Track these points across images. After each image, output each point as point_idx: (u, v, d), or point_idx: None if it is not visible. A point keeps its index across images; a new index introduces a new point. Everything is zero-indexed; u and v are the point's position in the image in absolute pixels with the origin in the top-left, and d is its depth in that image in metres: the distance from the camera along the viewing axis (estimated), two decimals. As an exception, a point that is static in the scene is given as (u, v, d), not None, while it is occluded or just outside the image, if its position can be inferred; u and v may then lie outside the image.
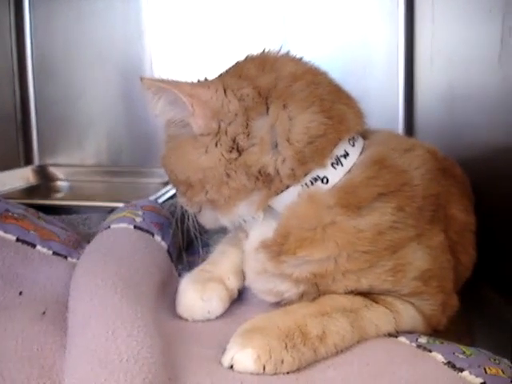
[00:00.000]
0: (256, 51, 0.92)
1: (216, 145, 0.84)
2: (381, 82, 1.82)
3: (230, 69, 0.93)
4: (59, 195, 1.85)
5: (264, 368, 0.72)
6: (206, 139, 0.85)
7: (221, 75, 0.92)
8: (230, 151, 0.84)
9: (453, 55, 1.38)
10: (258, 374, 0.72)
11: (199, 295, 0.90)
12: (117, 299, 0.76)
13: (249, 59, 0.92)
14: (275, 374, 0.72)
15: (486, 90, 1.14)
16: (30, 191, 1.81)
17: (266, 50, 0.92)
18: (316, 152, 0.83)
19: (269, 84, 0.85)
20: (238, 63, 0.92)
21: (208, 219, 0.94)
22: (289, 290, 0.86)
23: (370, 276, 0.83)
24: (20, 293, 0.88)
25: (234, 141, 0.83)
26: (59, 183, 1.92)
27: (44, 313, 0.82)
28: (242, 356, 0.73)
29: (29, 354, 0.71)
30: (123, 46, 1.97)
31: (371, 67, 1.83)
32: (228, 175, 0.84)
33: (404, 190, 0.83)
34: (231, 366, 0.73)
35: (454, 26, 1.38)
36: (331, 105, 0.85)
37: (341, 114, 0.86)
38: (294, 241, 0.82)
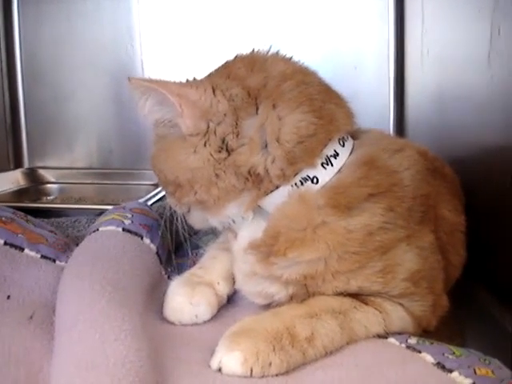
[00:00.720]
0: (246, 52, 0.92)
1: (205, 145, 0.84)
2: (371, 83, 1.83)
3: (218, 68, 0.92)
4: (49, 198, 1.85)
5: (251, 371, 0.71)
6: (194, 139, 0.84)
7: (210, 75, 0.91)
8: (219, 151, 0.83)
9: (443, 55, 1.38)
10: (245, 377, 0.71)
11: (188, 299, 0.89)
12: (104, 302, 0.76)
13: (238, 59, 0.91)
14: (263, 376, 0.72)
15: (476, 89, 1.14)
16: (19, 194, 1.80)
17: (256, 50, 0.91)
18: (306, 152, 0.82)
19: (258, 84, 0.84)
20: (226, 63, 0.92)
21: (197, 220, 0.94)
22: (278, 292, 0.86)
23: (359, 277, 0.82)
24: (8, 297, 0.87)
25: (223, 141, 0.83)
26: (49, 186, 1.91)
27: (31, 317, 0.81)
28: (229, 359, 0.73)
29: (16, 358, 0.70)
30: (113, 47, 1.97)
31: (362, 68, 1.84)
32: (217, 175, 0.84)
33: (394, 191, 0.83)
34: (219, 369, 0.73)
35: (443, 26, 1.38)
36: (321, 104, 0.85)
37: (331, 114, 0.86)
38: (284, 242, 0.82)
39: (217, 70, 0.92)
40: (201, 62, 1.77)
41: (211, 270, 0.96)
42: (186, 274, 0.96)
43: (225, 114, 0.83)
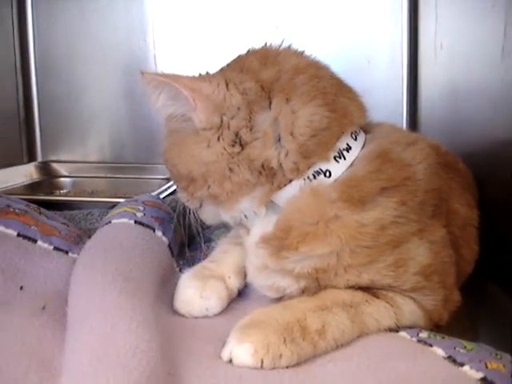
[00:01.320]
0: (258, 46, 0.92)
1: (218, 139, 0.83)
2: (384, 77, 1.82)
3: (231, 62, 0.92)
4: (62, 191, 1.86)
5: (262, 362, 0.72)
6: (208, 133, 0.84)
7: (222, 69, 0.92)
8: (233, 145, 0.83)
9: (456, 49, 1.37)
10: (256, 369, 0.71)
11: (198, 292, 0.90)
12: (116, 294, 0.76)
13: (250, 53, 0.91)
14: (274, 368, 0.72)
15: (489, 83, 1.13)
16: (32, 187, 1.81)
17: (268, 44, 0.91)
18: (319, 145, 0.82)
19: (271, 78, 0.84)
20: (239, 57, 0.92)
21: (209, 215, 0.94)
22: (290, 285, 0.86)
23: (371, 271, 0.82)
24: (21, 287, 0.87)
25: (236, 135, 0.83)
26: (62, 179, 1.92)
27: (44, 307, 0.82)
28: (240, 350, 0.73)
29: (28, 348, 0.71)
30: (126, 42, 1.97)
31: (375, 61, 1.83)
32: (231, 170, 0.83)
33: (407, 185, 0.83)
34: (230, 361, 0.73)
35: (457, 20, 1.37)
36: (334, 98, 0.85)
37: (344, 107, 0.85)
38: (296, 236, 0.81)
39: (229, 64, 0.92)
40: (213, 57, 1.78)
41: (222, 263, 0.96)
42: (197, 267, 0.96)
43: (238, 108, 0.83)
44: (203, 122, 0.84)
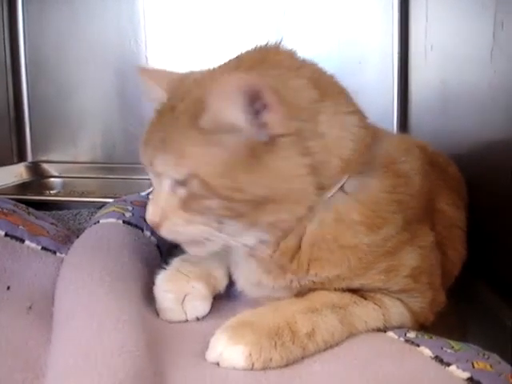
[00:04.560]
0: (249, 47, 0.88)
1: (292, 148, 0.73)
2: (375, 78, 1.82)
3: (251, 57, 0.81)
4: (52, 192, 1.86)
5: (253, 365, 0.71)
6: (284, 141, 0.72)
7: (236, 67, 0.80)
8: (304, 156, 0.74)
9: (446, 50, 1.37)
10: (245, 370, 0.71)
11: (178, 305, 0.85)
12: (103, 293, 0.76)
13: (273, 49, 0.82)
14: (262, 370, 0.71)
15: (479, 84, 1.13)
16: (22, 188, 1.81)
17: (274, 43, 0.83)
18: (359, 157, 0.78)
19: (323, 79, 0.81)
20: (262, 52, 0.82)
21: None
22: (284, 296, 0.84)
23: (363, 277, 0.82)
24: (8, 287, 0.87)
25: (306, 144, 0.74)
26: (52, 180, 1.92)
27: (30, 307, 0.82)
28: (233, 352, 0.71)
29: (13, 348, 0.70)
30: (117, 41, 1.96)
31: (365, 63, 1.83)
32: (303, 189, 0.75)
33: (411, 202, 0.83)
34: (217, 361, 0.72)
35: (447, 21, 1.37)
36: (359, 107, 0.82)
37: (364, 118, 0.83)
38: (306, 260, 0.80)
39: (252, 59, 0.80)
40: (205, 57, 1.78)
41: (208, 259, 0.90)
42: (175, 263, 0.91)
43: (307, 111, 0.75)
44: (280, 128, 0.72)
